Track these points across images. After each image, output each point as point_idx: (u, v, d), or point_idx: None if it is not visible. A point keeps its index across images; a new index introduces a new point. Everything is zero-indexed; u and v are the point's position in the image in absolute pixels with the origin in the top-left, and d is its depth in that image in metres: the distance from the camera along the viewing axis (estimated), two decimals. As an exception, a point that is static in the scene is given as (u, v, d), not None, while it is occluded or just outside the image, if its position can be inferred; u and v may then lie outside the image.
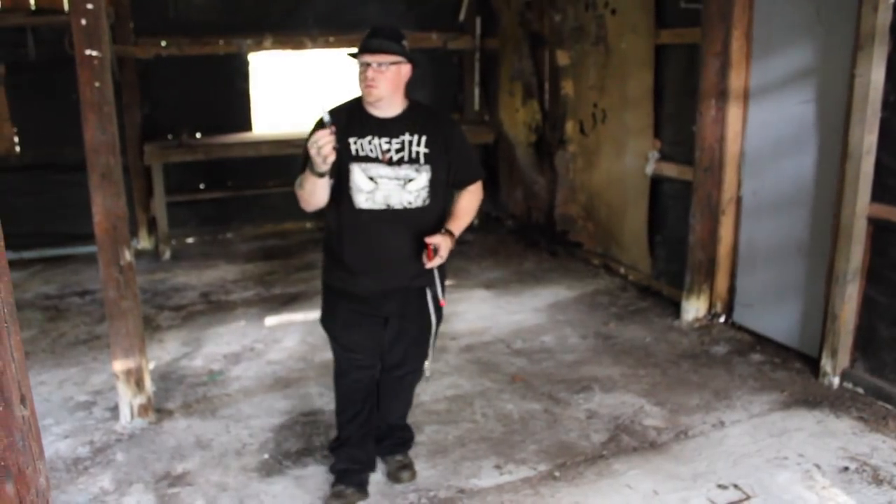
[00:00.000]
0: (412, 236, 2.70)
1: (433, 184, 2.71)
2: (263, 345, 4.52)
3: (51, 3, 5.91)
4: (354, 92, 2.75)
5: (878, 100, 3.47)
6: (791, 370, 4.02)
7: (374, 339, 2.86)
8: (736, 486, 3.00)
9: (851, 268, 3.66)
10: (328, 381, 3.71)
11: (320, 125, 2.54)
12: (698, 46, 4.45)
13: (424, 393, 3.74)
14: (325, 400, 3.76)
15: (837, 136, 3.74)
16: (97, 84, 3.17)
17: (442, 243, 2.62)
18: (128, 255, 3.38)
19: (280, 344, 4.51)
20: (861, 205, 3.59)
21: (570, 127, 6.13)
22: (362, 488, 2.95)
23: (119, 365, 3.49)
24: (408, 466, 3.11)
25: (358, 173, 2.65)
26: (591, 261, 6.00)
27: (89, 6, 3.11)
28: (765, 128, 4.30)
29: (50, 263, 6.18)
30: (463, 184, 2.86)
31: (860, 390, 3.72)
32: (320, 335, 3.63)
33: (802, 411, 3.59)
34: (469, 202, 2.87)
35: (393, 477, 3.08)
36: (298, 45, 6.80)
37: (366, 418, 2.94)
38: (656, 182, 5.16)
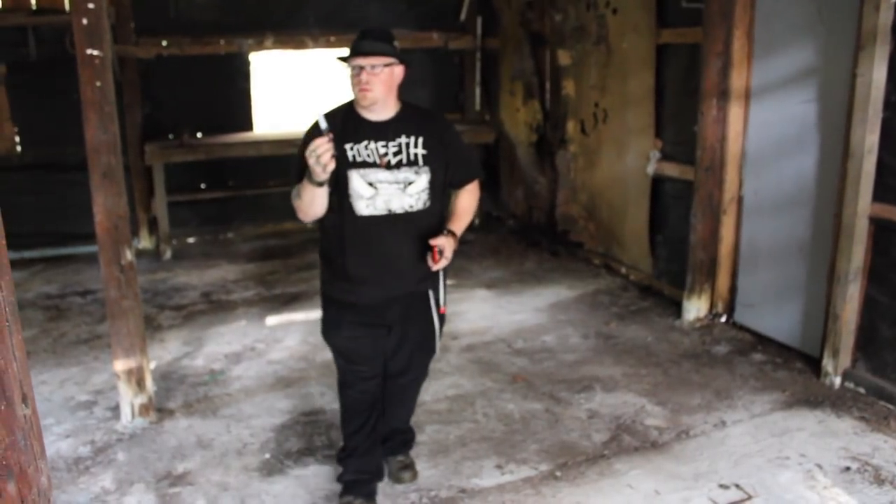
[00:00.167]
0: (415, 240, 2.67)
1: (433, 185, 2.67)
2: (264, 344, 4.52)
3: (52, 2, 5.92)
4: (348, 96, 2.68)
5: (880, 99, 3.46)
6: (792, 370, 4.02)
7: (378, 349, 2.81)
8: (737, 486, 3.00)
9: (853, 267, 3.66)
10: (329, 380, 3.72)
11: (315, 131, 2.47)
12: (700, 46, 4.45)
13: (426, 393, 3.73)
14: (326, 399, 3.75)
15: (839, 135, 3.73)
16: (98, 83, 3.17)
17: (446, 244, 2.59)
18: (129, 255, 3.38)
19: (281, 343, 4.51)
20: (863, 204, 3.58)
21: (571, 126, 6.13)
22: (371, 498, 2.91)
23: (120, 364, 3.49)
24: (409, 467, 3.10)
25: (357, 179, 2.59)
26: (592, 260, 6.00)
27: (90, 5, 3.11)
28: (766, 127, 4.29)
29: (51, 263, 6.19)
30: (461, 183, 2.83)
31: (862, 390, 3.71)
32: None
33: (804, 411, 3.59)
34: (468, 201, 2.84)
35: (394, 477, 3.07)
36: (299, 45, 6.80)
37: (372, 428, 2.88)
38: (657, 182, 5.16)
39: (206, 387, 3.98)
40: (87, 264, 6.00)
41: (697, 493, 2.96)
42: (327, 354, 3.66)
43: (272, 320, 4.90)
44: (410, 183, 2.62)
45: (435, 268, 2.61)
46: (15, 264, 5.62)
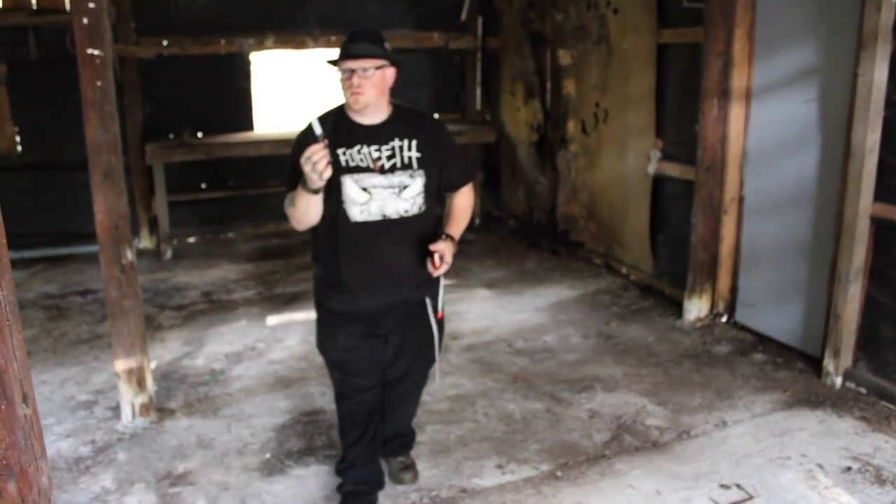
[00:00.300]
0: (411, 245, 2.61)
1: (428, 189, 2.61)
2: (265, 344, 4.52)
3: (52, 2, 5.92)
4: (339, 99, 2.60)
5: (881, 99, 3.46)
6: (793, 370, 4.02)
7: (375, 360, 2.75)
8: (738, 486, 3.00)
9: (854, 267, 3.65)
10: (330, 380, 3.71)
11: (308, 137, 2.40)
12: (700, 46, 4.44)
13: (426, 393, 3.72)
14: (326, 399, 3.75)
15: (840, 135, 3.73)
16: (99, 83, 3.17)
17: (446, 249, 2.53)
18: (129, 255, 3.38)
19: (282, 343, 4.51)
20: (864, 204, 3.58)
21: (571, 126, 6.13)
22: None
23: (121, 364, 3.49)
24: (410, 467, 3.09)
25: (350, 185, 2.52)
26: (592, 260, 6.00)
27: (91, 5, 3.11)
28: (767, 127, 4.29)
29: (51, 263, 6.19)
30: (455, 186, 2.76)
31: (863, 390, 3.71)
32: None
33: (805, 411, 3.58)
34: (465, 205, 2.78)
35: (395, 478, 3.06)
36: (300, 45, 6.80)
37: (371, 438, 2.82)
38: (658, 182, 5.15)
39: (206, 386, 3.97)
40: (88, 264, 6.01)
41: (698, 493, 2.96)
42: (328, 354, 3.66)
43: (273, 320, 4.90)
44: (405, 187, 2.56)
45: (436, 274, 2.55)
46: (15, 264, 5.62)
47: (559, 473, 3.12)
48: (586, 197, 6.05)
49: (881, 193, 3.55)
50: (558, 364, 4.17)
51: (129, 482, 3.11)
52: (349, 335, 2.69)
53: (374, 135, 2.56)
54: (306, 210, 2.49)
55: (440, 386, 3.87)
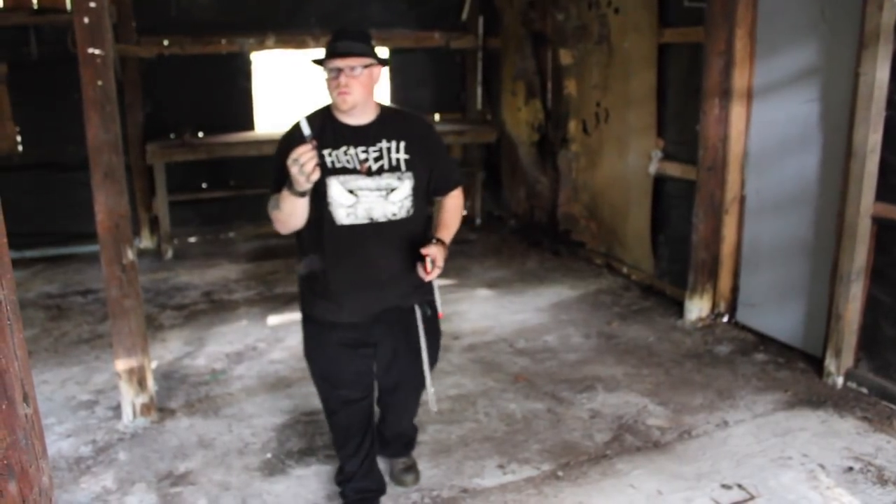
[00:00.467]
0: (399, 250, 2.53)
1: (416, 191, 2.53)
2: (266, 344, 4.52)
3: (53, 2, 5.92)
4: (324, 100, 2.53)
5: (883, 98, 3.46)
6: (795, 370, 4.01)
7: (363, 371, 2.68)
8: (740, 486, 2.99)
9: (856, 267, 3.65)
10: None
11: (294, 137, 2.33)
12: (702, 45, 4.43)
13: (427, 393, 3.73)
14: (327, 399, 3.75)
15: (841, 134, 3.73)
16: (100, 83, 3.17)
17: (438, 253, 2.43)
18: (130, 254, 3.38)
19: (282, 343, 4.51)
20: (865, 204, 3.57)
21: (572, 126, 6.13)
22: None
23: (121, 364, 3.49)
24: (412, 468, 3.08)
25: (336, 187, 2.44)
26: (593, 260, 6.00)
27: (92, 4, 3.10)
28: (768, 127, 4.29)
29: (52, 262, 6.19)
30: (444, 190, 2.67)
31: (864, 390, 3.71)
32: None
33: (806, 411, 3.58)
34: (454, 209, 2.68)
35: (397, 480, 3.04)
36: (301, 45, 6.80)
37: (369, 448, 2.77)
38: (659, 181, 5.15)
39: (207, 386, 3.97)
40: (89, 264, 6.00)
41: (700, 494, 2.95)
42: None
43: (273, 320, 4.90)
44: (393, 189, 2.48)
45: (427, 278, 2.45)
46: (16, 264, 5.64)
47: (560, 473, 3.12)
48: (587, 197, 6.05)
49: (883, 193, 3.55)
50: (559, 364, 4.17)
51: (130, 482, 3.11)
52: (336, 346, 2.61)
53: (361, 136, 2.48)
54: (291, 213, 2.41)
55: (441, 386, 3.87)
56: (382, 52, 6.90)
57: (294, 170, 2.22)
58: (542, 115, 6.51)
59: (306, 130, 2.27)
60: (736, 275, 4.63)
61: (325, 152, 2.44)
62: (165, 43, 6.38)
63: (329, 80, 2.40)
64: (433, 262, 2.42)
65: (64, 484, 3.09)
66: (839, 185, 3.75)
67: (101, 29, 3.15)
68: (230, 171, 6.80)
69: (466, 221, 7.29)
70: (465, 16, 7.24)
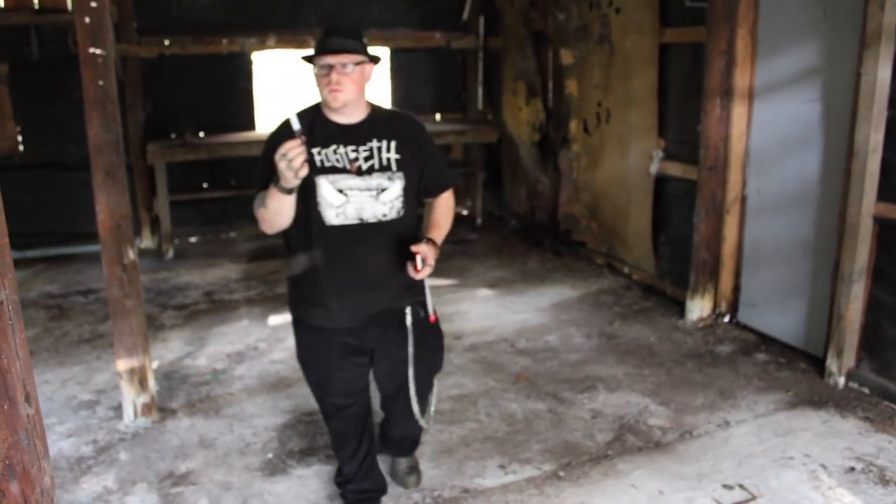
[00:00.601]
0: (389, 251, 2.47)
1: (407, 192, 2.47)
2: (267, 344, 4.52)
3: (54, 1, 5.93)
4: (314, 98, 2.48)
5: (885, 98, 3.45)
6: (796, 370, 4.01)
7: (355, 378, 2.62)
8: (741, 486, 2.99)
9: (857, 267, 3.65)
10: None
11: (284, 132, 2.28)
12: (703, 45, 4.43)
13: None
14: (328, 399, 3.75)
15: (843, 134, 3.72)
16: (101, 82, 3.17)
17: (429, 252, 2.37)
18: (131, 254, 3.38)
19: (283, 343, 4.51)
20: (867, 204, 3.57)
21: (573, 126, 6.12)
22: None
23: (122, 364, 3.48)
24: (414, 469, 3.07)
25: (325, 186, 2.38)
26: (594, 260, 5.99)
27: (93, 4, 3.10)
28: (770, 126, 4.28)
29: (53, 262, 6.19)
30: (436, 192, 2.61)
31: (866, 390, 3.70)
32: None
33: (808, 411, 3.58)
34: (446, 210, 2.62)
35: (399, 480, 3.04)
36: (302, 44, 6.79)
37: (367, 450, 2.74)
38: (660, 181, 5.15)
39: (208, 386, 3.97)
40: (90, 264, 6.00)
41: (701, 494, 2.95)
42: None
43: (274, 320, 4.90)
44: (384, 189, 2.42)
45: (418, 277, 2.39)
46: (17, 264, 5.63)
47: (562, 473, 3.11)
48: (588, 197, 6.05)
49: (884, 193, 3.54)
50: (560, 364, 4.17)
51: (131, 482, 3.11)
52: (329, 353, 2.57)
53: (352, 135, 2.43)
54: (277, 211, 2.34)
55: (442, 386, 3.87)
56: (383, 51, 6.90)
57: (282, 165, 2.16)
58: (543, 115, 6.51)
59: (296, 125, 2.22)
60: (737, 275, 4.63)
61: (315, 151, 2.39)
62: (166, 43, 6.39)
63: (320, 77, 2.35)
64: (423, 260, 2.36)
65: (65, 484, 3.08)
66: (840, 184, 3.75)
67: (102, 29, 3.15)
68: (231, 171, 6.80)
69: (467, 221, 7.31)
70: (465, 16, 7.24)
